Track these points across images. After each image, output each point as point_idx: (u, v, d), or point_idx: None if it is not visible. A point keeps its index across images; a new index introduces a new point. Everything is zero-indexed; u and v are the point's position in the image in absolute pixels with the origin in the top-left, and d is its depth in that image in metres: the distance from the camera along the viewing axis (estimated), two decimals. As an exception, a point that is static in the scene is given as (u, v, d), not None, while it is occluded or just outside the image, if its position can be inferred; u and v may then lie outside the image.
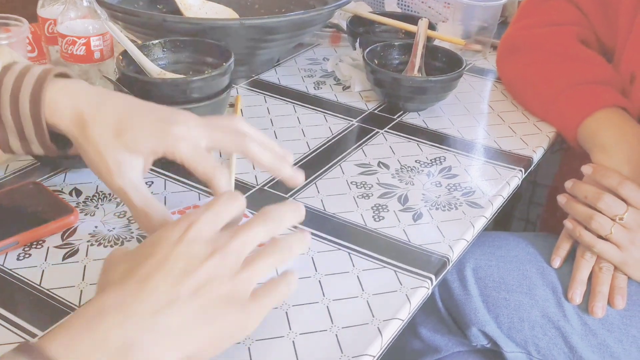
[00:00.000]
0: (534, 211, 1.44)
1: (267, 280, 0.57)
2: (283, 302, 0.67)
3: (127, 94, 0.86)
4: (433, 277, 0.71)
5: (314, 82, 1.13)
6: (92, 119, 0.64)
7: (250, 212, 0.76)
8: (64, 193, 0.82)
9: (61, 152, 0.70)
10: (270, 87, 1.11)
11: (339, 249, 0.74)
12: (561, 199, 0.93)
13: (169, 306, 0.51)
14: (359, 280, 0.70)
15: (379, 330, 0.64)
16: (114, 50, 1.02)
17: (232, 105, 1.02)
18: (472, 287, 0.95)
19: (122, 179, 0.63)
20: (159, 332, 0.50)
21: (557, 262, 0.93)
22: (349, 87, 1.11)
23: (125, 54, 0.91)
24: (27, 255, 0.71)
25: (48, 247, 0.73)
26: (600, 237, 0.88)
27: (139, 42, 0.98)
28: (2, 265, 0.70)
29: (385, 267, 0.72)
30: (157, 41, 0.95)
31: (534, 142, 0.98)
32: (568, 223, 0.91)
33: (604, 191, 0.88)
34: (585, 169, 0.92)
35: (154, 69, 0.92)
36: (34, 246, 0.73)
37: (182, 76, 0.92)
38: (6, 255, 0.71)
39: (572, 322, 0.90)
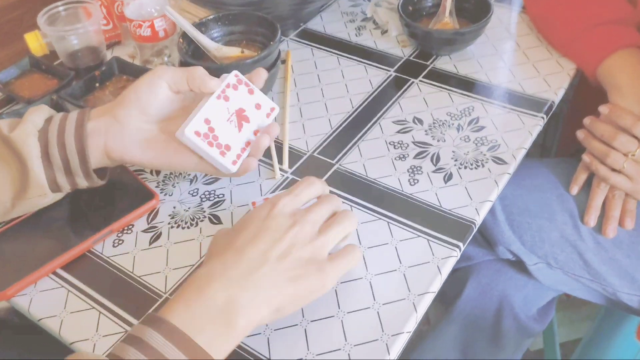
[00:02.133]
0: (550, 137, 1.39)
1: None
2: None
3: None
4: (461, 244, 0.72)
5: (355, 28, 1.09)
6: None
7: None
8: (145, 172, 0.83)
9: (102, 180, 0.73)
10: (316, 37, 1.07)
11: (380, 219, 0.75)
12: (580, 134, 0.90)
13: (260, 269, 0.57)
14: (397, 252, 0.71)
15: (414, 306, 0.66)
16: (176, 26, 0.99)
17: (283, 62, 1.00)
18: (500, 213, 0.95)
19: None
20: (253, 290, 0.56)
21: (575, 190, 0.92)
22: (386, 31, 1.06)
23: (184, 35, 0.89)
24: (120, 242, 0.74)
25: (137, 232, 0.75)
26: (614, 170, 0.86)
27: (198, 19, 0.94)
28: (102, 253, 0.73)
29: (419, 236, 0.73)
30: (212, 17, 0.92)
31: (556, 82, 0.94)
32: (586, 157, 0.89)
33: (619, 131, 0.85)
34: (602, 109, 0.88)
35: (211, 45, 0.90)
36: (125, 232, 0.75)
37: (237, 53, 0.90)
38: (104, 242, 0.74)
39: (587, 241, 0.90)
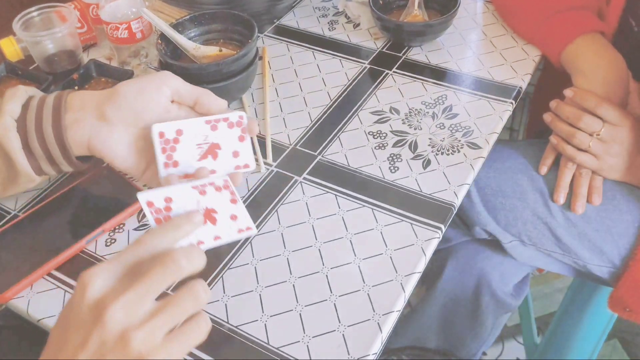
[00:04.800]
0: (517, 120, 1.45)
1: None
2: (323, 265, 0.73)
3: None
4: (442, 226, 0.77)
5: (327, 22, 1.13)
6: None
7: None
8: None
9: (86, 165, 0.73)
10: (290, 33, 1.11)
11: (364, 206, 0.79)
12: (547, 117, 0.95)
13: None
14: (383, 237, 0.76)
15: (402, 286, 0.70)
16: (152, 26, 1.02)
17: (260, 59, 1.03)
18: (475, 195, 1.00)
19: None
20: None
21: (544, 170, 0.97)
22: (359, 24, 1.11)
23: (162, 36, 0.92)
24: (113, 241, 0.77)
25: (128, 231, 0.78)
26: (580, 150, 0.91)
27: (174, 19, 0.98)
28: (95, 253, 0.76)
29: (403, 220, 0.77)
30: (188, 17, 0.95)
31: (522, 69, 0.99)
32: (553, 139, 0.95)
33: (584, 112, 0.90)
34: (567, 92, 0.93)
35: (188, 45, 0.93)
36: (117, 230, 0.78)
37: (215, 52, 0.94)
38: (96, 242, 0.77)
39: (557, 218, 0.96)
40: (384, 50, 1.06)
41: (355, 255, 0.74)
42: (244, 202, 0.80)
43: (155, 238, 0.54)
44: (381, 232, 0.76)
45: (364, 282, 0.71)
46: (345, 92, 0.97)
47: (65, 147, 0.68)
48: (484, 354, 1.45)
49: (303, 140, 0.89)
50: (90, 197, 0.81)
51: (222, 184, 0.64)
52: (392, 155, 0.86)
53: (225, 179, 0.64)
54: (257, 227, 0.77)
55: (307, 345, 0.66)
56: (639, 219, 0.93)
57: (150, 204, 0.60)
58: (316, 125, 0.91)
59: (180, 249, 0.52)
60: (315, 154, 0.87)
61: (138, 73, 1.01)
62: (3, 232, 0.77)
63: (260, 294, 0.70)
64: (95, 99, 0.68)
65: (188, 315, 0.51)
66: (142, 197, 0.60)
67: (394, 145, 0.87)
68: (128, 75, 0.96)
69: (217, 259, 0.74)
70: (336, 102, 0.95)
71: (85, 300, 0.49)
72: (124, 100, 0.66)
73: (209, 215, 0.63)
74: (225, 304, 0.70)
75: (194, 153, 0.67)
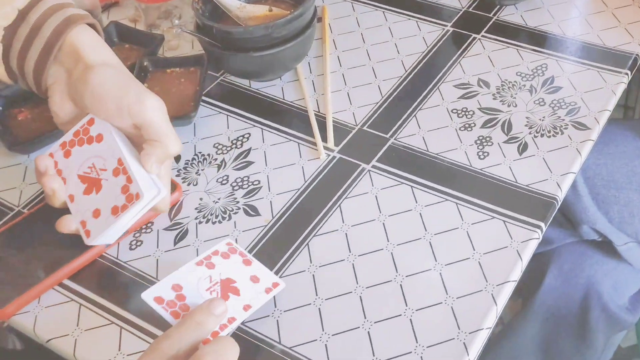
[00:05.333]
0: (632, 95, 1.38)
1: None
2: (396, 273, 0.69)
3: (206, 45, 0.86)
4: (542, 225, 0.73)
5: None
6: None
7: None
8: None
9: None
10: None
11: (446, 200, 0.76)
12: None
13: None
14: (469, 238, 0.72)
15: (493, 297, 0.67)
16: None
17: (319, 20, 1.01)
18: (582, 187, 0.97)
19: None
20: None
21: (668, 156, 0.92)
22: (439, -22, 1.07)
23: (199, -8, 0.89)
24: (138, 243, 0.74)
25: (157, 231, 0.76)
26: None
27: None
28: (117, 258, 0.73)
29: (494, 217, 0.74)
30: (234, -29, 0.92)
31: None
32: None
33: None
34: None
35: (232, 3, 0.90)
36: (144, 231, 0.76)
37: (264, 12, 0.90)
38: (118, 245, 0.74)
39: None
40: (470, 10, 1.02)
41: (435, 261, 0.70)
42: (299, 195, 0.78)
43: (176, 342, 0.54)
44: (467, 232, 0.72)
45: (447, 294, 0.67)
46: (424, 61, 0.94)
47: (40, 85, 0.70)
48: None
49: (372, 120, 0.86)
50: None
51: (227, 248, 0.67)
52: (480, 137, 0.82)
53: (228, 242, 0.68)
54: (316, 225, 0.75)
55: (377, 371, 0.63)
56: None
57: (159, 300, 0.61)
58: (388, 102, 0.88)
59: (208, 350, 0.52)
60: (387, 136, 0.84)
61: (169, 38, 0.99)
62: (3, 232, 0.74)
63: (319, 308, 0.68)
64: (76, 75, 0.69)
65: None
66: (148, 296, 0.61)
67: (483, 125, 0.84)
68: (157, 41, 0.94)
69: (267, 265, 0.71)
70: (412, 74, 0.92)
71: None
72: (96, 92, 0.68)
73: (229, 287, 0.64)
74: (277, 321, 0.67)
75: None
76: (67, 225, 0.68)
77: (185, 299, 0.62)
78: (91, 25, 0.71)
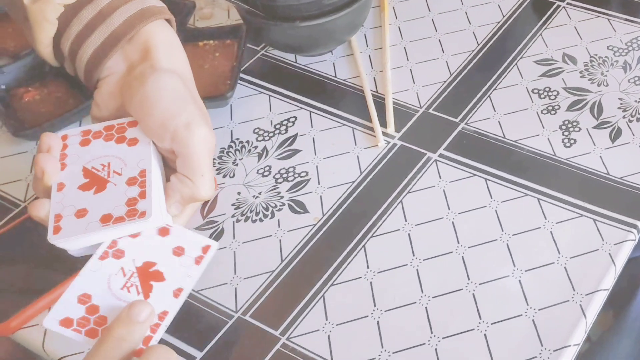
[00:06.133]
0: None
1: None
2: (468, 280, 0.71)
3: (245, 14, 0.88)
4: (639, 224, 0.74)
5: None
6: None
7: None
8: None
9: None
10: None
11: (526, 195, 0.78)
12: None
13: None
14: (553, 239, 0.74)
15: (582, 309, 0.68)
16: None
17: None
18: None
19: None
20: None
21: None
22: None
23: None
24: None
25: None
26: None
27: None
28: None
29: (582, 215, 0.75)
30: None
31: None
32: None
33: None
34: None
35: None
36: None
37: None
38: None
39: None
40: (554, -29, 1.03)
41: (514, 266, 0.72)
42: (354, 190, 0.80)
43: None
44: (551, 232, 0.74)
45: (527, 304, 0.69)
46: (499, 33, 0.95)
47: (92, 75, 0.70)
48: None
49: (438, 101, 0.88)
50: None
51: (129, 225, 0.61)
52: (566, 122, 0.84)
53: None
54: (374, 225, 0.76)
55: (446, 392, 0.65)
56: None
57: (67, 323, 0.57)
58: (457, 81, 0.90)
59: None
60: (457, 120, 0.86)
61: (202, 6, 1.01)
62: (7, 232, 0.74)
63: (377, 321, 0.69)
64: (137, 72, 0.69)
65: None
66: (51, 321, 0.57)
67: (569, 108, 0.85)
68: (187, 9, 0.96)
69: (317, 271, 0.73)
70: (485, 48, 0.93)
71: None
72: (148, 98, 0.67)
73: (149, 275, 0.60)
74: (328, 336, 0.69)
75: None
76: (40, 209, 0.63)
77: (98, 309, 0.57)
78: (167, 21, 0.72)
